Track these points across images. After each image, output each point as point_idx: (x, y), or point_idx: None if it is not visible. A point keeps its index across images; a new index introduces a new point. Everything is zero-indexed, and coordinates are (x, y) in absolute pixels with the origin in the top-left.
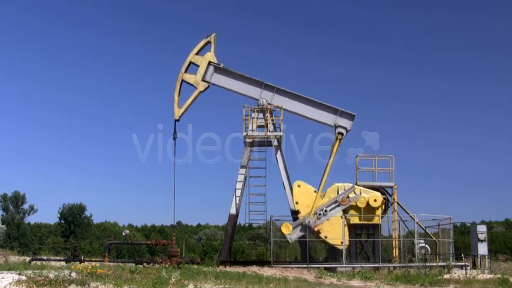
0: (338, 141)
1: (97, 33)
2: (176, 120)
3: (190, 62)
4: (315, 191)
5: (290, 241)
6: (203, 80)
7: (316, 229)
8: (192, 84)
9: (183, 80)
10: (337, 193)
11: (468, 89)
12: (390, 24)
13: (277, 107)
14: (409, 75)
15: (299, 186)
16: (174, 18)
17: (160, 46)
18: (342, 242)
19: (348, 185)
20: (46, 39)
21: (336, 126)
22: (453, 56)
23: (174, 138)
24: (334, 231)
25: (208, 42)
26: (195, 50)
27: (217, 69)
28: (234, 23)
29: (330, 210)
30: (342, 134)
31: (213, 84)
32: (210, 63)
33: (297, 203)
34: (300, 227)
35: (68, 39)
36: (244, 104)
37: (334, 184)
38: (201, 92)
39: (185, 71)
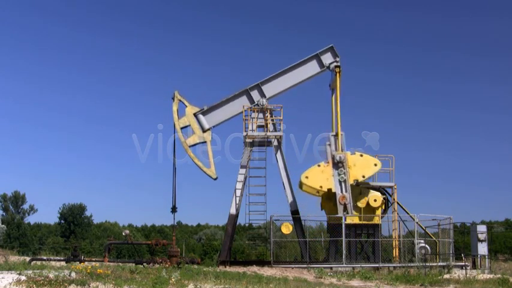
0: (337, 74)
1: (97, 33)
2: (215, 179)
3: (181, 128)
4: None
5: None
6: (204, 131)
7: (332, 160)
8: (199, 143)
9: (190, 146)
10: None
11: (468, 90)
12: (389, 24)
13: (268, 96)
14: (409, 76)
15: (361, 155)
16: (173, 18)
17: (160, 46)
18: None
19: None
20: (46, 39)
21: (327, 67)
22: (453, 58)
23: (173, 212)
24: (322, 177)
25: (179, 101)
26: (175, 116)
27: (205, 113)
28: (232, 23)
29: (340, 176)
30: (339, 66)
31: (213, 127)
32: (195, 114)
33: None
34: (335, 150)
35: (67, 39)
36: (244, 104)
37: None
38: (210, 141)
39: (185, 139)
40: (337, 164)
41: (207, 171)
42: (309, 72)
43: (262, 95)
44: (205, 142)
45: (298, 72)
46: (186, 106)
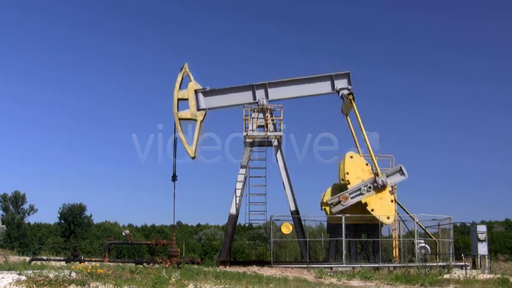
0: (351, 101)
1: (97, 33)
2: (193, 158)
3: (178, 100)
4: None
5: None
6: (198, 109)
7: (375, 177)
8: (190, 119)
9: (180, 120)
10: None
11: (468, 90)
12: (390, 24)
13: (271, 98)
14: (409, 75)
15: (392, 201)
16: (173, 18)
17: (160, 46)
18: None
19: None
20: (46, 39)
21: (337, 91)
22: (453, 58)
23: (173, 180)
24: (357, 172)
25: (185, 73)
26: (177, 86)
27: (206, 93)
28: (233, 23)
29: (364, 189)
30: (352, 93)
31: (208, 109)
32: (196, 91)
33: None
34: (385, 176)
35: (67, 39)
36: (245, 104)
37: (334, 184)
38: (201, 121)
39: (178, 110)
40: (375, 184)
41: (187, 148)
42: (318, 90)
43: (266, 95)
44: (195, 120)
45: (308, 87)
46: (190, 81)
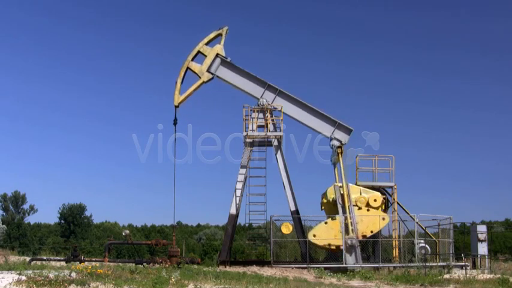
0: (338, 154)
1: (97, 33)
2: (176, 107)
3: (198, 52)
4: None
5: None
6: (208, 70)
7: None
8: (196, 73)
9: (188, 68)
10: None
11: (468, 89)
12: (390, 24)
13: (275, 108)
14: (409, 75)
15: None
16: (174, 18)
17: (160, 46)
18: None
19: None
20: (46, 37)
21: (331, 138)
22: (453, 56)
23: (175, 124)
24: (371, 223)
25: (219, 35)
26: (205, 40)
27: (224, 63)
28: (235, 23)
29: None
30: (341, 147)
31: (217, 76)
32: (217, 55)
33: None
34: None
35: (68, 39)
36: (245, 104)
37: (334, 184)
38: (204, 82)
39: (192, 60)
40: (346, 237)
41: (175, 95)
42: (315, 126)
43: (272, 99)
44: (199, 78)
45: (311, 118)
46: (219, 44)
